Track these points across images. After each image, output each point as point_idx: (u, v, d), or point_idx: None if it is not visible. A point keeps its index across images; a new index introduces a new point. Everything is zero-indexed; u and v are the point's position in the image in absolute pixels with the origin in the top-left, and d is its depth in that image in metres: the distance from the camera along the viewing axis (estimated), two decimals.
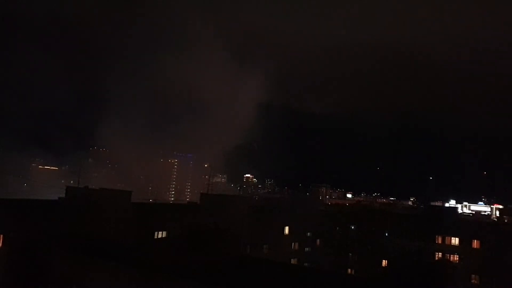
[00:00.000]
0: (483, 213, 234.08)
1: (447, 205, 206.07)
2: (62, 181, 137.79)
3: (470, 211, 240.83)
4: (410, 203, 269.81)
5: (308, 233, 71.82)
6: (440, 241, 66.76)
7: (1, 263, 31.43)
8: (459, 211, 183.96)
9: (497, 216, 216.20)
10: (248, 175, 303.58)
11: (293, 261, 64.01)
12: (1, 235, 32.79)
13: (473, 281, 61.41)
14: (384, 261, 66.53)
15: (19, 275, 30.25)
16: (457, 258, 64.12)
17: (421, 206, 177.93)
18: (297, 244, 69.32)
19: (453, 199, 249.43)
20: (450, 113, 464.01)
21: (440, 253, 65.09)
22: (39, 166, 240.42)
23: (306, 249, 70.74)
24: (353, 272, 67.37)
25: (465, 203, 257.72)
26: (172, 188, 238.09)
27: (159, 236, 47.22)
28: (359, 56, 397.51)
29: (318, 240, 73.37)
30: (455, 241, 66.09)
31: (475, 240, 64.70)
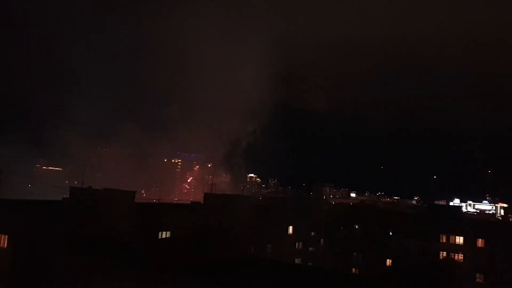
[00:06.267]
0: (487, 212, 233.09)
1: (451, 204, 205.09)
2: (66, 181, 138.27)
3: (474, 210, 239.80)
4: (414, 202, 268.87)
5: (312, 233, 71.76)
6: (444, 240, 66.57)
7: (6, 263, 31.57)
8: (463, 210, 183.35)
9: (502, 215, 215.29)
10: (252, 175, 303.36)
11: (297, 260, 63.97)
12: (6, 236, 32.94)
13: (477, 280, 61.19)
14: (388, 260, 66.41)
15: (24, 275, 30.38)
16: (462, 257, 63.91)
17: (425, 205, 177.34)
18: (301, 243, 69.29)
19: (457, 197, 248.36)
20: (455, 111, 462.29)
21: (444, 252, 64.90)
22: (43, 167, 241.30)
23: (310, 248, 70.67)
24: (357, 272, 67.27)
25: (469, 201, 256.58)
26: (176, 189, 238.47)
27: (163, 236, 47.27)
28: (362, 55, 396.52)
29: (322, 240, 73.30)
30: (459, 240, 65.86)
31: (480, 239, 64.47)
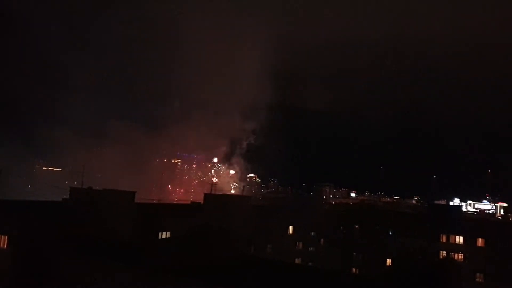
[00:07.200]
0: (487, 211, 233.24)
1: (451, 203, 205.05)
2: (66, 182, 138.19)
3: (474, 209, 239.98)
4: (414, 201, 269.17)
5: (312, 233, 71.78)
6: (444, 240, 66.54)
7: (6, 264, 31.57)
8: (463, 209, 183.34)
9: (502, 214, 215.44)
10: (252, 175, 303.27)
11: (297, 260, 64.01)
12: (6, 236, 32.96)
13: (477, 279, 61.19)
14: (388, 260, 66.33)
15: (24, 275, 30.37)
16: (462, 257, 63.88)
17: (425, 205, 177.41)
18: (301, 243, 69.32)
19: (457, 197, 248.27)
20: (455, 111, 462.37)
21: (444, 252, 64.83)
22: (43, 167, 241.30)
23: (310, 248, 70.67)
24: (357, 272, 67.25)
25: (469, 201, 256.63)
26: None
27: (163, 236, 47.33)
28: (362, 54, 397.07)
29: (322, 240, 73.29)
30: (459, 239, 65.85)
31: (480, 239, 64.46)
